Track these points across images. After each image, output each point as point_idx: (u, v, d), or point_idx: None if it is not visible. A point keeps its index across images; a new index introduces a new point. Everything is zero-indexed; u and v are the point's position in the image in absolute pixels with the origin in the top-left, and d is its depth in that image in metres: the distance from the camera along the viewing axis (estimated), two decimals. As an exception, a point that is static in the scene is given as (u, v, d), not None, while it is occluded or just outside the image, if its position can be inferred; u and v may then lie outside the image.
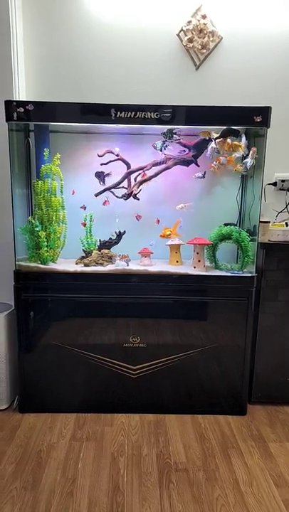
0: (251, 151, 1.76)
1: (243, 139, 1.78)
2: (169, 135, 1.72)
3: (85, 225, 1.90)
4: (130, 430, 1.74)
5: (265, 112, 1.66)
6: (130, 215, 1.93)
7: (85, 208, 1.89)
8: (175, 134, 1.75)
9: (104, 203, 1.88)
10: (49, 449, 1.61)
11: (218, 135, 1.75)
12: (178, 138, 1.75)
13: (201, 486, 1.42)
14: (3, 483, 1.41)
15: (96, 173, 1.86)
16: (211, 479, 1.46)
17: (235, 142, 1.78)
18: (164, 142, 1.77)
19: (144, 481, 1.44)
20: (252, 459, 1.58)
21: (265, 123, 1.67)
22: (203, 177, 1.85)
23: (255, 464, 1.55)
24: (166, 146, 1.78)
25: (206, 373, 1.86)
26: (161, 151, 1.80)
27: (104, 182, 1.86)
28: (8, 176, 1.75)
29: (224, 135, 1.74)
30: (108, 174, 1.84)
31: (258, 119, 1.67)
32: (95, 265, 1.83)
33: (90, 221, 1.91)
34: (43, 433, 1.71)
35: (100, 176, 1.83)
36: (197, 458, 1.57)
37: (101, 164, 1.85)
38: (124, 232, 1.92)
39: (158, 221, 1.92)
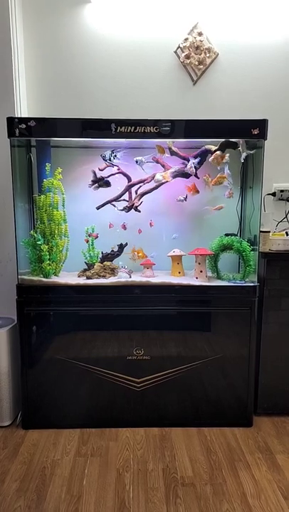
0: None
1: (226, 168, 1.80)
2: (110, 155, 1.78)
3: (87, 241, 1.91)
4: (135, 445, 1.72)
5: (262, 125, 1.70)
6: (131, 227, 1.94)
7: (97, 237, 1.91)
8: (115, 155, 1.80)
9: (109, 227, 1.92)
10: (53, 465, 1.58)
11: (216, 148, 1.78)
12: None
13: (208, 501, 1.40)
14: (7, 502, 1.39)
15: (96, 180, 1.86)
16: (219, 493, 1.43)
17: (220, 175, 1.81)
18: (112, 152, 1.80)
19: (150, 497, 1.41)
20: (259, 472, 1.56)
21: (262, 135, 1.70)
22: (185, 200, 1.87)
23: (262, 476, 1.53)
24: (115, 156, 1.79)
25: (210, 385, 1.84)
26: (110, 160, 1.81)
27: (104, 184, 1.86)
28: (10, 190, 1.77)
29: (222, 148, 1.77)
30: (106, 182, 1.85)
31: (255, 132, 1.70)
32: (97, 278, 1.84)
33: (92, 231, 1.93)
34: (47, 449, 1.68)
35: (99, 180, 1.83)
36: (204, 472, 1.55)
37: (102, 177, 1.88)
38: (126, 244, 1.93)
39: (151, 224, 1.93)
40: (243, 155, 1.78)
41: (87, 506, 1.37)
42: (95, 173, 1.85)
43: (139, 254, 1.90)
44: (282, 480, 1.51)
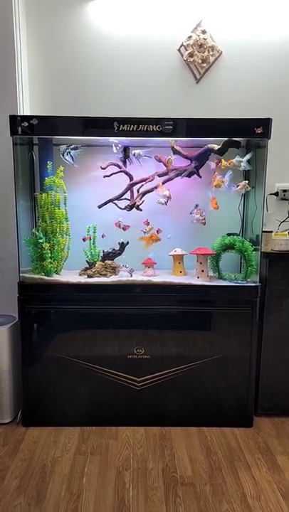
0: (242, 184, 1.79)
1: (228, 174, 1.79)
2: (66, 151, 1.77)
3: (84, 240, 1.91)
4: (135, 443, 1.72)
5: (265, 124, 1.68)
6: (133, 226, 1.94)
7: (103, 236, 1.91)
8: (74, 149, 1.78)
9: (122, 228, 1.92)
10: (53, 463, 1.59)
11: (219, 147, 1.77)
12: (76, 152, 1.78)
13: (208, 501, 1.40)
14: (7, 499, 1.39)
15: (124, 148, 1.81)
16: (218, 493, 1.43)
17: (218, 179, 1.80)
18: (67, 147, 1.78)
19: (150, 496, 1.42)
20: (259, 472, 1.55)
21: (266, 134, 1.69)
22: (166, 204, 1.86)
23: (262, 477, 1.53)
24: (69, 153, 1.78)
25: (211, 385, 1.84)
26: (63, 156, 1.80)
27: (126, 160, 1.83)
28: (12, 188, 1.77)
29: (225, 147, 1.76)
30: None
31: (259, 131, 1.69)
32: (98, 276, 1.84)
33: (94, 232, 1.93)
34: (47, 447, 1.69)
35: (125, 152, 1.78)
36: (204, 471, 1.55)
37: (104, 176, 1.87)
38: (128, 242, 1.93)
39: (147, 222, 1.92)
40: (243, 165, 1.77)
41: (86, 504, 1.37)
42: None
43: (153, 238, 1.89)
44: (282, 481, 1.51)
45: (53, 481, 1.48)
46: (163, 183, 1.86)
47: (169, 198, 1.84)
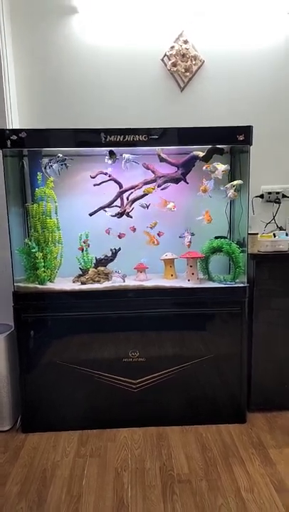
0: (232, 193, 1.85)
1: (211, 182, 1.84)
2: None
3: (82, 249, 1.96)
4: (133, 444, 1.77)
5: (247, 131, 1.75)
6: (124, 232, 1.98)
7: (134, 230, 1.96)
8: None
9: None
10: (53, 467, 1.63)
11: (203, 154, 1.83)
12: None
13: (203, 496, 1.45)
14: (9, 504, 1.43)
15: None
16: (214, 488, 1.49)
17: (205, 185, 1.85)
18: (49, 161, 1.82)
19: (148, 495, 1.47)
20: (253, 466, 1.61)
21: (248, 141, 1.76)
22: (147, 208, 1.92)
23: (255, 470, 1.59)
24: (51, 166, 1.81)
25: (205, 383, 1.90)
26: (45, 169, 1.84)
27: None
28: (3, 199, 1.81)
29: (209, 154, 1.82)
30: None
31: (241, 138, 1.76)
32: (91, 283, 1.89)
33: (86, 237, 1.97)
34: (47, 452, 1.73)
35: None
36: (199, 468, 1.61)
37: (94, 185, 1.92)
38: (120, 249, 1.98)
39: (134, 229, 1.96)
40: (229, 194, 1.83)
41: (86, 506, 1.42)
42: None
43: (152, 241, 1.95)
44: (274, 474, 1.57)
45: (54, 485, 1.52)
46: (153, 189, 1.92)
47: (174, 208, 1.91)
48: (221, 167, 1.79)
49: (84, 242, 1.97)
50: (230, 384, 1.90)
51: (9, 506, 1.42)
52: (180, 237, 1.96)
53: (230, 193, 1.84)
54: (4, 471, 1.61)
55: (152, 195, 1.92)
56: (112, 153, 1.79)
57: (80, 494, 1.47)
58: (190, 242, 1.95)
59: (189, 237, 1.94)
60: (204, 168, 1.84)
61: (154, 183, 1.91)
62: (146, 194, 1.91)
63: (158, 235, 1.99)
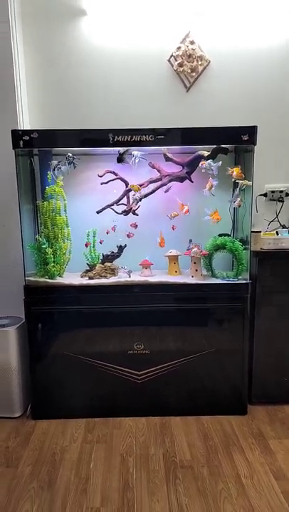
0: (238, 201, 1.90)
1: (214, 182, 1.89)
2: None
3: (86, 245, 2.02)
4: (137, 432, 1.85)
5: (251, 131, 1.79)
6: (130, 229, 2.05)
7: (136, 226, 2.01)
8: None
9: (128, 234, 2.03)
10: (62, 451, 1.72)
11: (208, 153, 1.88)
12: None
13: (205, 481, 1.53)
14: (21, 484, 1.53)
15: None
16: (215, 474, 1.57)
17: (210, 182, 1.88)
18: (58, 162, 1.89)
19: (152, 478, 1.55)
20: (253, 455, 1.68)
21: (252, 141, 1.80)
22: (140, 200, 1.96)
23: (255, 459, 1.66)
24: (60, 168, 1.88)
25: (207, 376, 1.97)
26: (53, 171, 1.90)
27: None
28: (16, 197, 1.89)
29: (214, 153, 1.87)
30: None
31: (245, 138, 1.80)
32: (99, 278, 1.96)
33: (94, 237, 2.04)
34: (56, 437, 1.82)
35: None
36: (201, 455, 1.68)
37: (101, 183, 1.99)
38: (126, 245, 2.05)
39: (135, 225, 2.01)
40: (213, 169, 1.86)
41: (94, 487, 1.50)
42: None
43: (160, 243, 2.03)
44: (273, 462, 1.64)
45: (63, 468, 1.62)
46: (156, 189, 1.98)
47: (186, 212, 1.96)
48: (217, 163, 1.84)
49: (100, 242, 2.03)
50: (232, 377, 1.96)
51: (22, 486, 1.52)
52: (188, 249, 1.98)
53: (237, 201, 1.90)
54: (16, 454, 1.71)
55: (160, 194, 1.98)
56: (120, 160, 1.86)
57: (88, 476, 1.56)
58: (201, 251, 1.94)
59: (195, 249, 1.93)
60: (200, 165, 1.88)
61: (159, 182, 1.97)
62: (152, 192, 1.97)
63: (172, 228, 2.02)
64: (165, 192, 1.98)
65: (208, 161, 1.85)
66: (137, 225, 2.01)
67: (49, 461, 1.66)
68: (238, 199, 1.90)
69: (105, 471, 1.59)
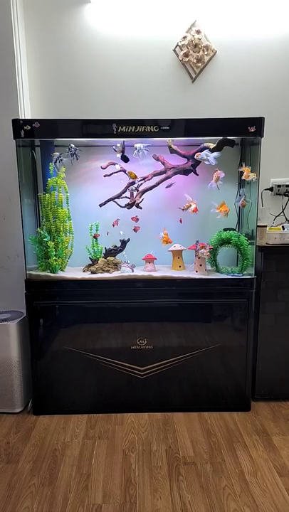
0: (242, 201, 1.88)
1: (221, 174, 1.86)
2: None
3: (96, 237, 1.98)
4: (140, 428, 1.83)
5: (258, 123, 1.75)
6: (133, 223, 2.01)
7: (137, 220, 1.98)
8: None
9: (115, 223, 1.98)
10: (64, 447, 1.70)
11: (214, 145, 1.84)
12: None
13: (208, 478, 1.51)
14: (22, 480, 1.51)
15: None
16: (218, 471, 1.55)
17: (217, 174, 1.85)
18: (60, 155, 1.85)
19: (154, 474, 1.53)
20: (256, 452, 1.66)
21: (259, 133, 1.76)
22: (136, 190, 1.93)
23: (259, 456, 1.64)
24: (61, 160, 1.85)
25: (210, 372, 1.94)
26: (55, 163, 1.88)
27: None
28: (17, 189, 1.85)
29: (220, 145, 1.83)
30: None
31: (252, 129, 1.76)
32: (101, 272, 1.93)
33: (96, 230, 2.01)
34: (57, 433, 1.80)
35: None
36: (204, 452, 1.66)
37: (104, 176, 1.95)
38: (129, 240, 2.01)
39: (136, 219, 1.98)
40: (210, 160, 1.82)
41: (96, 483, 1.48)
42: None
43: (165, 239, 1.98)
44: (277, 459, 1.62)
45: (64, 464, 1.60)
46: (161, 182, 1.94)
47: (196, 210, 1.92)
48: (214, 154, 1.80)
49: (107, 234, 1.99)
50: (236, 373, 1.94)
51: (22, 482, 1.50)
52: (197, 250, 1.93)
53: (241, 201, 1.86)
54: (17, 449, 1.69)
55: (161, 189, 1.94)
56: (125, 159, 1.83)
57: (89, 472, 1.54)
58: (209, 253, 1.90)
59: (202, 250, 1.88)
60: (195, 156, 1.83)
61: (164, 175, 1.93)
62: (156, 185, 1.94)
63: (180, 221, 1.99)
64: (166, 187, 1.94)
65: (205, 151, 1.81)
66: (138, 219, 1.97)
67: (50, 457, 1.64)
68: (242, 199, 1.88)
69: (107, 467, 1.57)
